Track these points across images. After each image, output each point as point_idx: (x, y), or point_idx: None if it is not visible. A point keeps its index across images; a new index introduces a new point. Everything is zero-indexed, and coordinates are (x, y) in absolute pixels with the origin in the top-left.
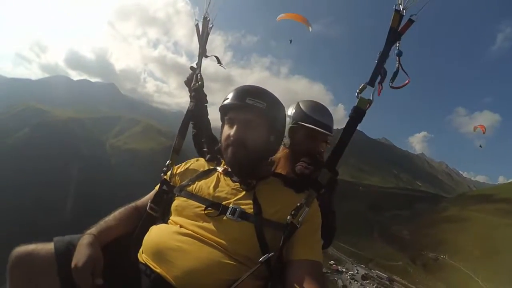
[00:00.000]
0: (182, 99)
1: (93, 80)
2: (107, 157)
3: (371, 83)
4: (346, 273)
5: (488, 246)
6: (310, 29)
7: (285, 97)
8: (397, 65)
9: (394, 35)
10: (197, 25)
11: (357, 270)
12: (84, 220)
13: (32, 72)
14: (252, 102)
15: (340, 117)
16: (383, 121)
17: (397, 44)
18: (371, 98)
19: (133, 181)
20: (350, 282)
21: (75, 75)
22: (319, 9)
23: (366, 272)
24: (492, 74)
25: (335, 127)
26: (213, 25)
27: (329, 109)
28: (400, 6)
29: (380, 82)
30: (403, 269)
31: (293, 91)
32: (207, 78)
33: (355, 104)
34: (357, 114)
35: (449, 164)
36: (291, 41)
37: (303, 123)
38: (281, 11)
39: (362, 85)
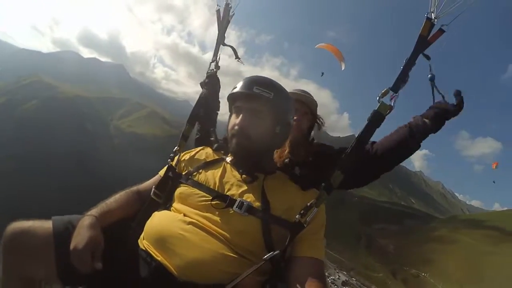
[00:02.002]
0: (189, 89)
1: (103, 59)
2: (110, 137)
3: (394, 88)
4: (328, 277)
5: (471, 272)
6: (343, 67)
7: None
8: (432, 89)
9: (423, 43)
10: (218, 11)
11: (339, 276)
12: (84, 195)
13: (44, 45)
14: (259, 91)
15: (344, 125)
16: (384, 133)
17: (430, 69)
18: (392, 104)
19: (133, 164)
20: (330, 286)
21: (86, 53)
22: (335, 16)
23: (347, 279)
24: (500, 102)
25: (339, 135)
26: (234, 13)
27: (335, 115)
28: (432, 14)
29: (395, 90)
30: (382, 281)
31: None
32: (219, 71)
33: (375, 109)
34: (376, 119)
35: (445, 185)
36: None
37: None
38: (299, 13)
39: (385, 89)
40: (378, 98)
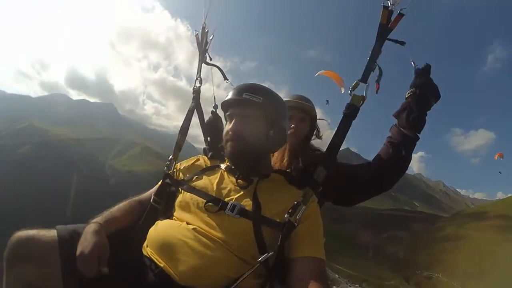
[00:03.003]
0: (179, 122)
1: (92, 100)
2: (106, 178)
3: (363, 79)
4: None
5: (481, 263)
6: (343, 91)
7: None
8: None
9: (384, 30)
10: (197, 35)
11: None
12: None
13: (32, 89)
14: (249, 97)
15: None
16: (379, 143)
17: (412, 62)
18: (364, 95)
19: None
20: None
21: (74, 95)
22: (313, 36)
23: None
24: (485, 94)
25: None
26: (213, 36)
27: (328, 131)
28: (389, 2)
29: (377, 81)
30: None
31: None
32: (205, 102)
33: (349, 102)
34: (350, 111)
35: (446, 182)
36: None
37: None
38: (281, 38)
39: (355, 82)
40: (349, 91)
